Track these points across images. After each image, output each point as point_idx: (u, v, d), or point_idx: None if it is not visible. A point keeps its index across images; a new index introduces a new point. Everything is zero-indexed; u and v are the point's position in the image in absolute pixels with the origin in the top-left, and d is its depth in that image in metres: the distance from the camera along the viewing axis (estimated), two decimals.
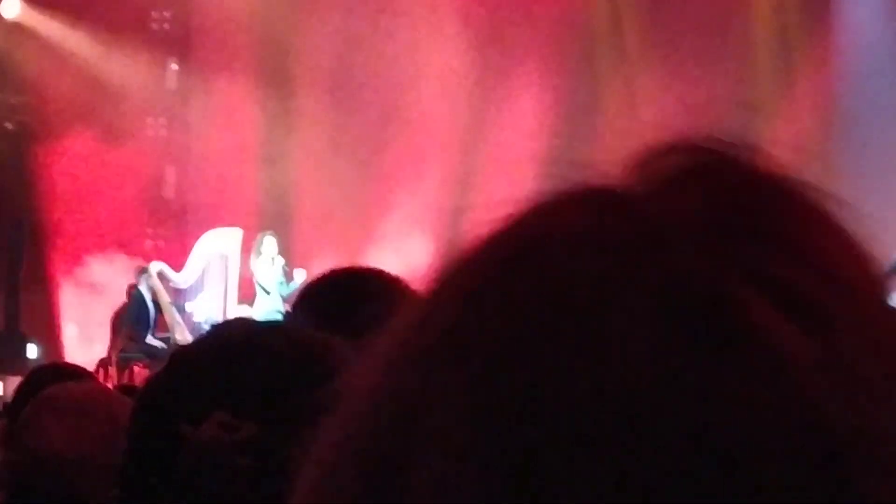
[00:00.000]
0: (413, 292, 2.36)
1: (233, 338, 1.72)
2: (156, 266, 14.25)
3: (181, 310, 14.37)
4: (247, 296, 14.34)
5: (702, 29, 15.50)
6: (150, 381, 1.82)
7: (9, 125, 15.90)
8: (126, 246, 15.51)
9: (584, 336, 0.48)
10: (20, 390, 4.26)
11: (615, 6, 16.34)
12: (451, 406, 0.49)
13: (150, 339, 13.74)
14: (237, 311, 14.25)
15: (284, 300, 13.61)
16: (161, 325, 14.08)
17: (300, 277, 13.41)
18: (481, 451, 0.48)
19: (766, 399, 0.47)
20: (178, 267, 14.48)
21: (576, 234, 0.52)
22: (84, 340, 14.93)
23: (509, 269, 0.51)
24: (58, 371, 4.62)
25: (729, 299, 0.48)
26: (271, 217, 15.36)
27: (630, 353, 0.47)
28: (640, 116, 15.94)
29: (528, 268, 0.51)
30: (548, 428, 0.47)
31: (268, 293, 13.72)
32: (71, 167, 15.33)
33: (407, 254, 14.66)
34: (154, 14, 16.20)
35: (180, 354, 1.77)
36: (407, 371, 0.51)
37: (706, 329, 0.48)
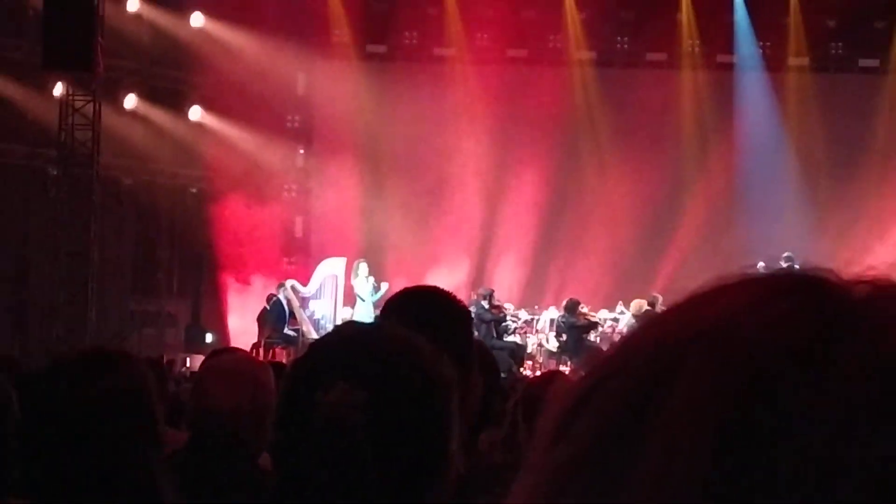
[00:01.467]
0: (460, 304, 2.40)
1: (350, 334, 1.75)
2: (290, 282, 14.59)
3: (306, 311, 14.60)
4: (349, 302, 14.62)
5: (649, 126, 15.96)
6: (294, 362, 1.75)
7: (194, 190, 16.46)
8: (270, 269, 15.98)
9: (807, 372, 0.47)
10: (202, 364, 4.20)
11: (591, 109, 16.46)
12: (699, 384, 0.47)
13: (286, 331, 14.04)
14: (343, 312, 14.44)
15: (374, 306, 13.73)
16: (292, 321, 14.23)
17: (384, 289, 13.92)
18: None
19: None
20: (304, 282, 14.88)
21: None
22: (242, 331, 14.92)
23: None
24: (226, 351, 4.82)
25: None
26: (366, 249, 15.57)
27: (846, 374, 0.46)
28: (610, 184, 16.20)
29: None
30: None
31: (363, 301, 14.07)
32: (233, 217, 15.76)
33: (454, 272, 15.46)
34: (288, 117, 16.78)
35: (315, 344, 1.74)
36: (669, 364, 0.49)
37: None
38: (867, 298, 0.51)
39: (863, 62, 16.24)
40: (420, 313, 2.14)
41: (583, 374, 0.54)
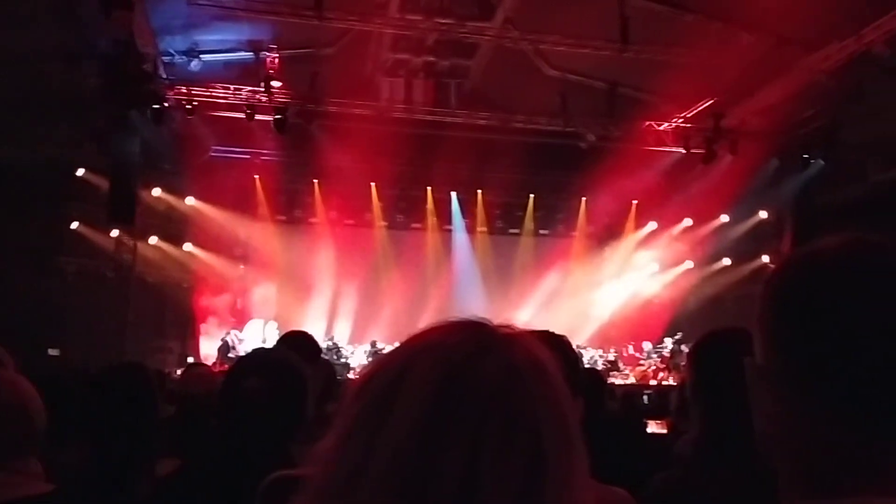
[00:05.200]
0: (314, 342, 2.66)
1: (258, 353, 2.00)
2: (233, 331, 15.67)
3: (240, 345, 15.14)
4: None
5: (415, 256, 17.17)
6: (231, 367, 1.88)
7: (185, 284, 16.45)
8: (224, 324, 16.44)
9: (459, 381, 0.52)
10: (184, 372, 4.09)
11: (385, 249, 17.35)
12: (417, 390, 0.55)
13: (230, 355, 14.60)
14: (258, 344, 13.36)
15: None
16: (233, 350, 14.72)
17: (277, 333, 13.77)
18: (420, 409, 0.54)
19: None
20: (241, 331, 15.82)
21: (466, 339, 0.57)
22: (209, 357, 15.34)
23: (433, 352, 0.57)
24: (197, 365, 4.98)
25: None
26: (273, 316, 16.04)
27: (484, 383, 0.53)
28: (394, 280, 16.61)
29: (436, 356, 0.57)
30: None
31: (269, 339, 14.79)
32: (204, 298, 16.69)
33: (316, 325, 15.21)
34: (236, 249, 16.93)
35: (241, 358, 1.91)
36: (392, 381, 0.56)
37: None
38: (505, 333, 0.62)
39: (511, 230, 18.35)
40: (293, 344, 2.56)
41: (368, 370, 0.63)
